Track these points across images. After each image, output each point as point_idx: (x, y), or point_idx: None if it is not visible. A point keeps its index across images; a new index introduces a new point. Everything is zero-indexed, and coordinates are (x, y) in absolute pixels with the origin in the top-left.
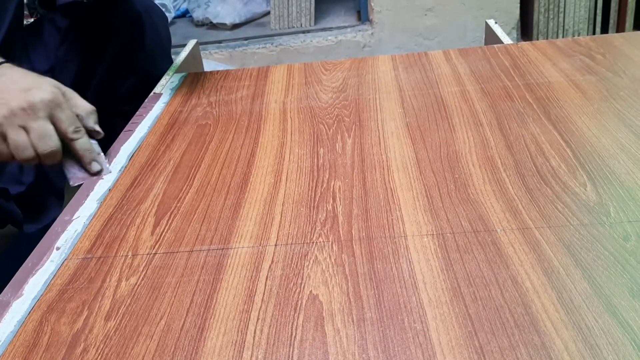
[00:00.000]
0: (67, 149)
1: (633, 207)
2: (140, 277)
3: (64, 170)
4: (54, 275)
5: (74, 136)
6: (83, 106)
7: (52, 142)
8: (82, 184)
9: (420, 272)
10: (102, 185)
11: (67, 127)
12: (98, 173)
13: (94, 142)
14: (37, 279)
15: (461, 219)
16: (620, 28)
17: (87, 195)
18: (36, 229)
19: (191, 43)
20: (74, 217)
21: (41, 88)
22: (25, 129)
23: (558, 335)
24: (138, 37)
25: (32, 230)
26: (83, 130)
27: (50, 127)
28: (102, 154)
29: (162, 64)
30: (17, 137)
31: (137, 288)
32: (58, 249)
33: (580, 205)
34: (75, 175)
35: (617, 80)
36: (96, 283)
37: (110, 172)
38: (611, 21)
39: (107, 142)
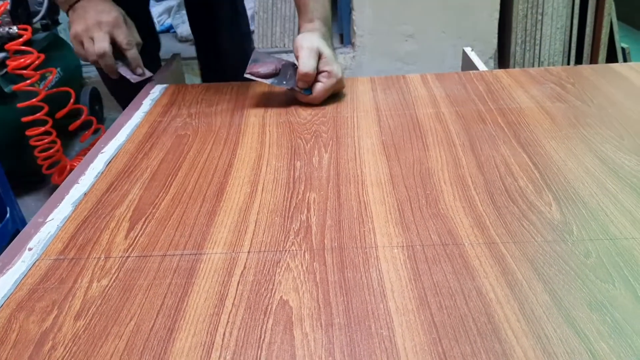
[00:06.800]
0: (124, 60)
1: (595, 227)
2: (112, 279)
3: (121, 73)
4: (25, 275)
5: (127, 47)
6: (135, 37)
7: (103, 45)
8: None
9: (389, 281)
10: (78, 189)
11: (121, 40)
12: (142, 75)
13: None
14: (7, 278)
15: (431, 232)
16: (593, 61)
17: (62, 198)
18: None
19: (173, 57)
20: (47, 220)
21: (109, 13)
22: (92, 39)
23: (518, 344)
24: None
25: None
26: (134, 45)
27: (107, 37)
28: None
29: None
30: (87, 44)
31: (109, 289)
32: (30, 249)
33: (545, 223)
34: (131, 76)
35: (584, 109)
36: (67, 284)
37: (152, 75)
38: (585, 54)
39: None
